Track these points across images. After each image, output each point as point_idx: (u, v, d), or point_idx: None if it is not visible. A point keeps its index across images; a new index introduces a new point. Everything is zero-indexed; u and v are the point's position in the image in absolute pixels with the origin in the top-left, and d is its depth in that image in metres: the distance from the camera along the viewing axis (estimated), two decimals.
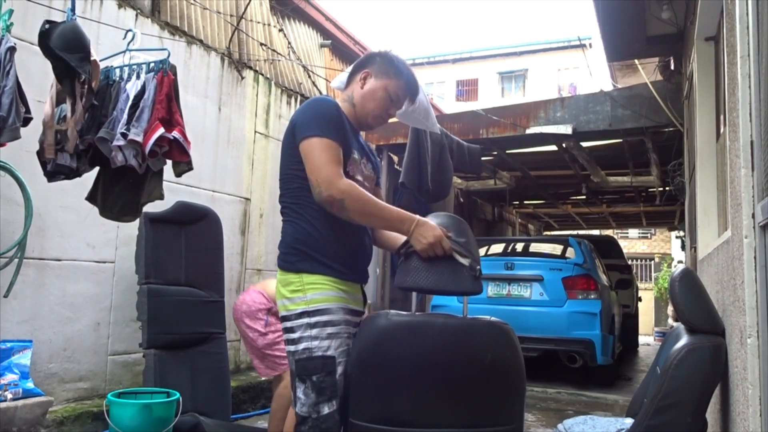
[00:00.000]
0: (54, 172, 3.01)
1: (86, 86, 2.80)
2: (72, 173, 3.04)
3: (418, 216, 1.87)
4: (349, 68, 2.28)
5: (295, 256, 1.90)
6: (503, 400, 1.84)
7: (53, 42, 2.69)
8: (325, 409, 1.82)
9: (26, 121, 2.78)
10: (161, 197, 3.12)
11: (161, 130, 2.91)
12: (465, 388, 1.78)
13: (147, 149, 2.90)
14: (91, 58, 2.79)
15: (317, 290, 1.86)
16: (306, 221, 1.91)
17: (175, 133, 2.98)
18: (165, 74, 3.06)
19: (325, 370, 1.82)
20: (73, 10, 2.86)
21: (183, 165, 3.10)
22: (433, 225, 1.85)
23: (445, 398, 1.77)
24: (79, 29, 2.77)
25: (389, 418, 1.76)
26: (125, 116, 2.94)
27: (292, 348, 1.87)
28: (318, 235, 1.89)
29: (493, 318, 1.90)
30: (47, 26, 2.72)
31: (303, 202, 1.91)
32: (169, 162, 3.11)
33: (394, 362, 1.78)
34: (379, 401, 1.79)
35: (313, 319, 1.84)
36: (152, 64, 3.10)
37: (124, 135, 2.89)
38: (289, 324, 1.88)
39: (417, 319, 1.88)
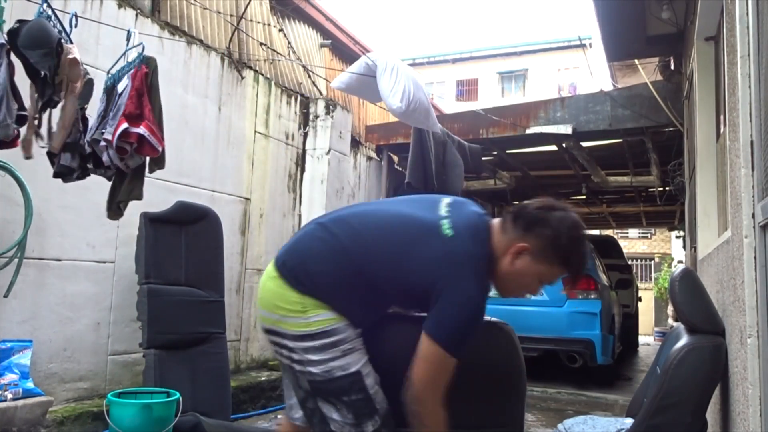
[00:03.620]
0: (57, 172, 3.02)
1: (47, 83, 2.72)
2: (72, 173, 3.04)
3: None
4: (351, 67, 2.13)
5: (310, 284, 1.70)
6: (504, 400, 1.84)
7: (20, 40, 2.65)
8: (369, 428, 1.70)
9: (21, 119, 2.73)
10: (140, 197, 3.10)
11: (124, 125, 2.89)
12: (465, 389, 1.78)
13: (113, 146, 2.90)
14: (70, 56, 2.74)
15: (320, 312, 1.69)
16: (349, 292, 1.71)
17: (142, 128, 2.93)
18: (139, 69, 3.05)
19: (355, 388, 1.69)
20: (47, 5, 2.81)
21: (159, 162, 3.09)
22: None
23: (446, 399, 1.77)
24: (45, 25, 2.72)
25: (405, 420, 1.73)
26: (110, 116, 2.96)
27: (297, 367, 1.72)
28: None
29: (493, 318, 1.89)
30: (17, 25, 2.70)
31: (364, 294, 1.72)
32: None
33: (394, 362, 1.75)
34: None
35: (319, 342, 1.68)
36: (136, 61, 3.11)
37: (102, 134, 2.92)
38: (290, 343, 1.71)
39: (416, 319, 1.87)
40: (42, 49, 2.64)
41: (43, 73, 2.67)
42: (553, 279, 1.74)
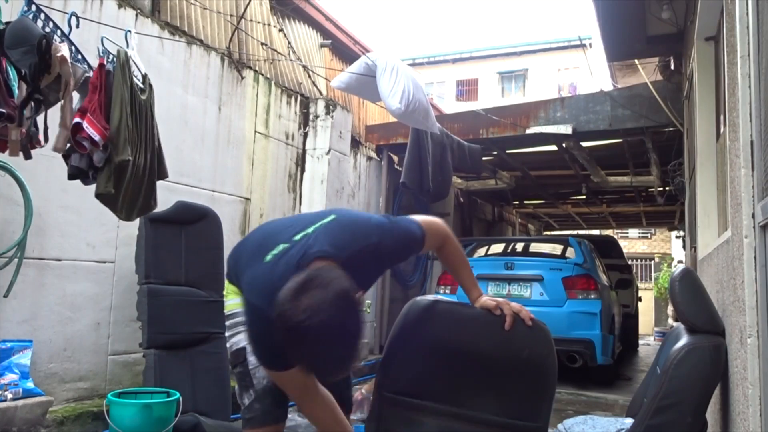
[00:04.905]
0: (71, 174, 3.00)
1: (27, 81, 2.67)
2: (85, 175, 3.02)
3: None
4: (351, 67, 2.24)
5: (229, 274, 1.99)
6: (533, 397, 1.89)
7: (6, 41, 2.61)
8: (245, 400, 1.91)
9: (7, 118, 2.63)
10: (108, 191, 3.01)
11: (75, 120, 2.87)
12: (499, 379, 1.84)
13: (74, 142, 2.89)
14: (58, 54, 2.71)
15: (233, 297, 1.96)
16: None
17: (85, 122, 2.87)
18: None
19: (238, 361, 1.92)
20: (30, 5, 2.80)
21: (121, 155, 3.02)
22: None
23: (478, 385, 1.84)
24: (27, 23, 2.69)
25: (420, 392, 1.85)
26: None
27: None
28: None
29: (534, 318, 1.97)
30: (2, 26, 2.66)
31: None
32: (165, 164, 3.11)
33: (435, 343, 1.88)
34: (413, 376, 1.89)
35: (229, 321, 1.98)
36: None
37: None
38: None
39: (461, 308, 1.98)
40: (23, 47, 2.61)
41: (23, 71, 2.64)
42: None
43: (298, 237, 1.73)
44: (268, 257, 1.72)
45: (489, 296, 1.99)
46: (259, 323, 1.68)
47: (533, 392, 1.89)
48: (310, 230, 1.75)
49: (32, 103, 2.74)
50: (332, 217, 1.81)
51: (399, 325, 1.96)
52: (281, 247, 1.72)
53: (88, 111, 2.90)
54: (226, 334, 2.00)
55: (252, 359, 1.88)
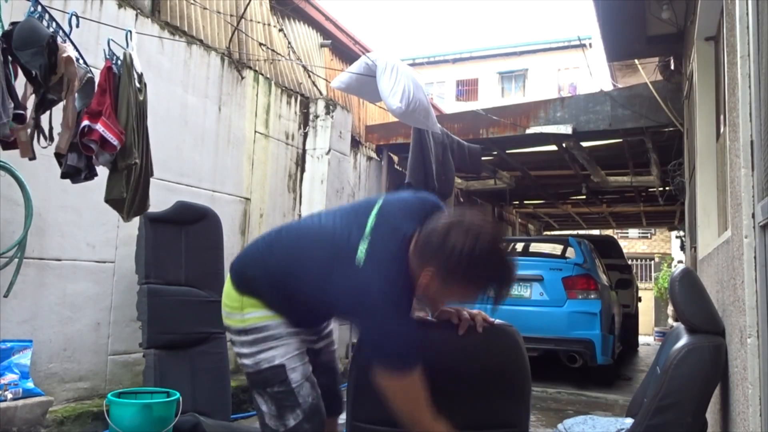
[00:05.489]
0: (65, 173, 3.00)
1: (39, 82, 2.70)
2: (79, 174, 3.03)
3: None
4: (351, 67, 2.16)
5: (247, 287, 1.82)
6: (509, 401, 1.84)
7: (14, 42, 2.63)
8: (291, 421, 1.76)
9: (17, 118, 2.69)
10: (121, 195, 3.07)
11: (84, 123, 2.87)
12: (470, 389, 1.79)
13: (80, 144, 2.89)
14: (64, 55, 2.72)
15: (255, 310, 1.80)
16: (281, 289, 1.79)
17: (99, 125, 2.90)
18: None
19: (278, 380, 1.76)
20: (39, 6, 2.80)
21: (128, 162, 3.06)
22: None
23: (450, 399, 1.77)
24: (34, 24, 2.70)
25: (392, 419, 1.72)
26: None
27: (239, 360, 1.87)
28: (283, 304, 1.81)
29: (497, 320, 1.89)
30: (10, 27, 2.68)
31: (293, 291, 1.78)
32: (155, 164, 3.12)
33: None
34: (382, 402, 1.76)
35: (251, 337, 1.79)
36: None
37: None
38: (233, 337, 1.87)
39: (427, 328, 1.86)
40: (31, 48, 2.62)
41: (34, 72, 2.66)
42: (473, 297, 1.70)
43: (367, 230, 1.66)
44: (359, 257, 1.61)
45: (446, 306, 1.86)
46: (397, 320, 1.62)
47: (508, 397, 1.83)
48: (370, 224, 1.67)
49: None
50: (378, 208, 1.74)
51: (359, 351, 1.84)
52: (362, 247, 1.63)
53: (103, 114, 2.92)
54: (251, 350, 1.79)
55: (294, 376, 1.76)
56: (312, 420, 1.77)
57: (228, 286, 1.88)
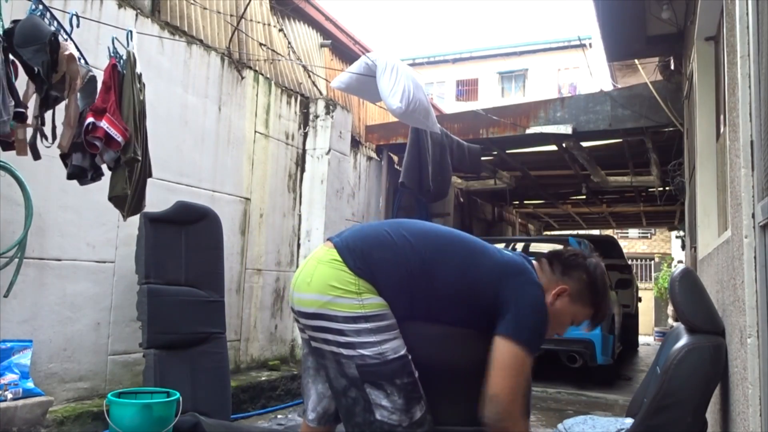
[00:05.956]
0: (71, 173, 3.00)
1: (40, 79, 2.70)
2: (85, 174, 3.03)
3: None
4: (351, 67, 2.21)
5: (369, 271, 1.76)
6: None
7: (15, 39, 2.64)
8: (417, 413, 1.71)
9: (18, 116, 2.68)
10: (124, 192, 3.08)
11: (89, 120, 2.88)
12: (466, 386, 1.79)
13: (84, 142, 2.90)
14: (66, 53, 2.72)
15: (372, 296, 1.73)
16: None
17: (104, 122, 2.91)
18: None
19: (406, 371, 1.71)
20: (38, 4, 2.80)
21: (129, 155, 3.07)
22: None
23: (450, 398, 1.78)
24: (36, 21, 2.70)
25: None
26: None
27: (345, 351, 1.71)
28: None
29: None
30: (11, 25, 2.68)
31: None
32: (151, 164, 3.12)
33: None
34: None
35: (372, 324, 1.69)
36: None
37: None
38: (340, 326, 1.71)
39: (419, 327, 1.86)
40: (33, 45, 2.63)
41: (36, 69, 2.66)
42: (582, 320, 1.90)
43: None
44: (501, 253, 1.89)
45: None
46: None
47: None
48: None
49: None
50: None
51: None
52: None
53: (107, 111, 2.93)
54: (374, 338, 1.69)
55: (413, 368, 1.73)
56: (429, 411, 1.76)
57: (336, 267, 1.74)
